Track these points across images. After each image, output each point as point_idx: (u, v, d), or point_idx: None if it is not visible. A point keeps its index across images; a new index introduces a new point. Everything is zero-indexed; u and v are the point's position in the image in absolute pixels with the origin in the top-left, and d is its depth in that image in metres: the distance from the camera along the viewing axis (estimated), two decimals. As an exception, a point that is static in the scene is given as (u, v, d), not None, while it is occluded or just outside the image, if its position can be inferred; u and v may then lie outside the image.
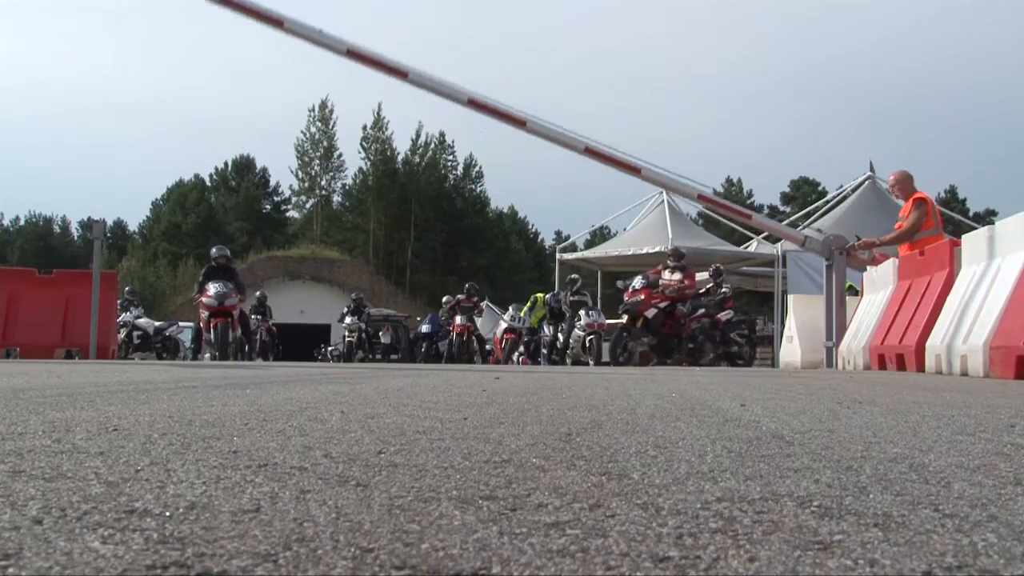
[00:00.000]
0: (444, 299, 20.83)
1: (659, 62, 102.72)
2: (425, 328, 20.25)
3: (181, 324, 20.35)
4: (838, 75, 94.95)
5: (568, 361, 15.27)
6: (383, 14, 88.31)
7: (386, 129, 53.53)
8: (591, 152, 10.12)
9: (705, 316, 13.59)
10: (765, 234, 20.92)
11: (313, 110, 53.28)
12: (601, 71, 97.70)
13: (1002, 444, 1.65)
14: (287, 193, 56.88)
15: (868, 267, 10.22)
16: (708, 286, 14.43)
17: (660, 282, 13.05)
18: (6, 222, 64.79)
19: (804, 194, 46.98)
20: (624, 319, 13.26)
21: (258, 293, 19.27)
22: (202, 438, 1.57)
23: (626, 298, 13.09)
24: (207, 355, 13.72)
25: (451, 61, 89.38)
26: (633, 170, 10.26)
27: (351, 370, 6.35)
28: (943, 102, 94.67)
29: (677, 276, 13.25)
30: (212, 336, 12.59)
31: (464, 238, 51.93)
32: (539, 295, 18.00)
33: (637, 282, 13.09)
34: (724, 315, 13.81)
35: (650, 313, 12.72)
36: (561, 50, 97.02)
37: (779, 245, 18.22)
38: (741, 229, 23.59)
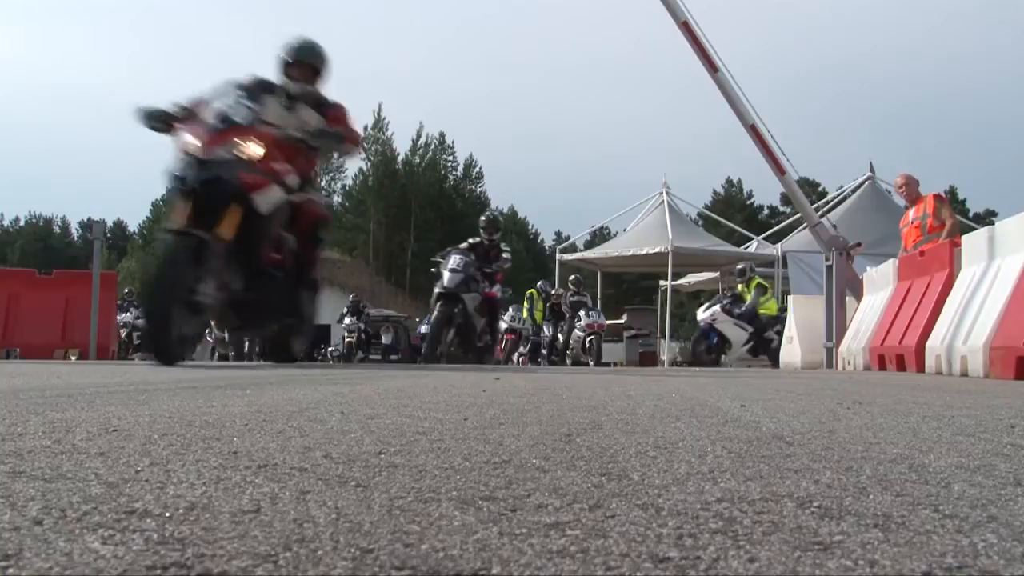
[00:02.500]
0: None
1: (661, 65, 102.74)
2: (425, 328, 20.26)
3: (181, 324, 20.28)
4: (838, 76, 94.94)
5: (568, 361, 15.26)
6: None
7: (386, 130, 53.59)
8: (686, 27, 10.42)
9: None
10: (765, 234, 20.95)
11: (313, 110, 53.13)
12: (604, 74, 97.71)
13: (1002, 445, 1.65)
14: (287, 193, 56.66)
15: (868, 268, 10.23)
16: (477, 240, 10.52)
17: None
18: (6, 222, 64.86)
19: (804, 194, 46.93)
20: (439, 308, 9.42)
21: None
22: (202, 439, 1.57)
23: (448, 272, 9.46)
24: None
25: (453, 64, 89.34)
26: (712, 67, 10.45)
27: (351, 370, 6.35)
28: (943, 102, 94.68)
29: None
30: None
31: (464, 239, 51.88)
32: (532, 291, 18.03)
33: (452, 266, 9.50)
34: (497, 289, 10.23)
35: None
36: (565, 53, 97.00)
37: (779, 245, 18.25)
38: (741, 229, 23.60)
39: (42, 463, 1.26)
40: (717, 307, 14.55)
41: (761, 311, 14.29)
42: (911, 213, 9.08)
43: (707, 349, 14.45)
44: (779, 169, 10.80)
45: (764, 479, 1.20)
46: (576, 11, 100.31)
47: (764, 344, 14.20)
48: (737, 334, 14.27)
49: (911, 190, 9.28)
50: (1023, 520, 0.95)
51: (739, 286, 14.77)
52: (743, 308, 14.32)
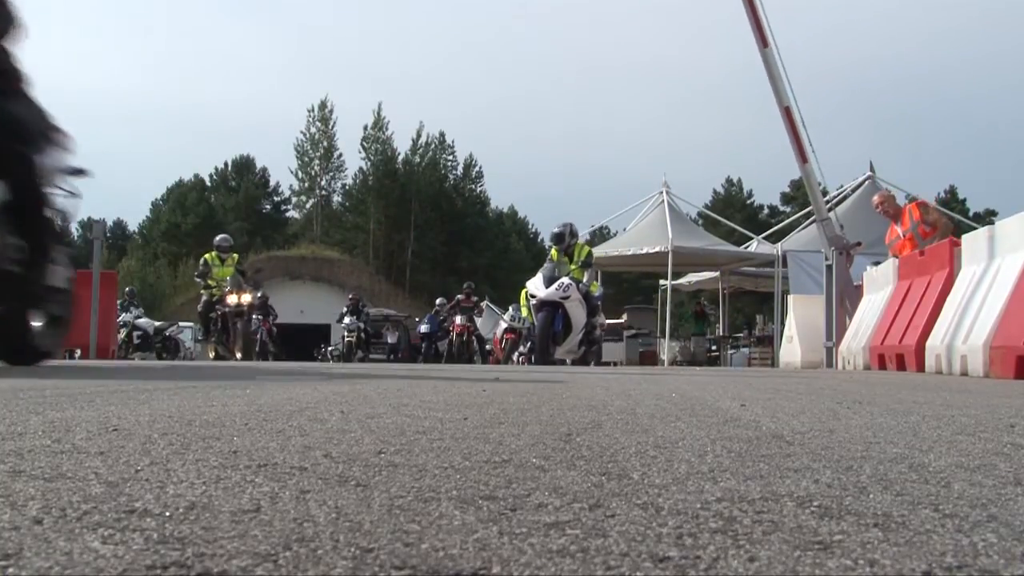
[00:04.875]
0: (438, 301, 20.89)
1: (663, 67, 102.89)
2: (424, 328, 20.30)
3: (181, 324, 20.37)
4: (838, 76, 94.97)
5: (568, 361, 15.23)
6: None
7: (386, 129, 53.68)
8: (750, 4, 10.48)
9: None
10: (765, 234, 20.95)
11: (313, 110, 53.40)
12: (604, 74, 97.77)
13: (1002, 444, 1.65)
14: (287, 193, 56.87)
15: (868, 267, 10.25)
16: None
17: None
18: (6, 222, 64.68)
19: (804, 194, 46.89)
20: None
21: (259, 293, 19.26)
22: (202, 438, 1.57)
23: None
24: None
25: (453, 64, 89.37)
26: (763, 42, 10.50)
27: (351, 370, 6.35)
28: (943, 102, 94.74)
29: None
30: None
31: (464, 238, 51.98)
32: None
33: None
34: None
35: None
36: (566, 53, 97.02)
37: (779, 245, 18.25)
38: (741, 229, 23.59)
39: (42, 462, 1.26)
40: (567, 279, 10.39)
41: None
42: (898, 228, 9.10)
43: (553, 338, 10.29)
44: (803, 157, 10.79)
45: (764, 479, 1.20)
46: (576, 11, 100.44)
47: (589, 332, 10.77)
48: (579, 318, 10.43)
49: (890, 206, 9.35)
50: (1023, 520, 0.95)
51: (553, 252, 10.89)
52: (583, 283, 10.56)
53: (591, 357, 11.11)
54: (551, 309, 10.31)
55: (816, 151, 10.80)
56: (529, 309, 11.04)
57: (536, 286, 10.58)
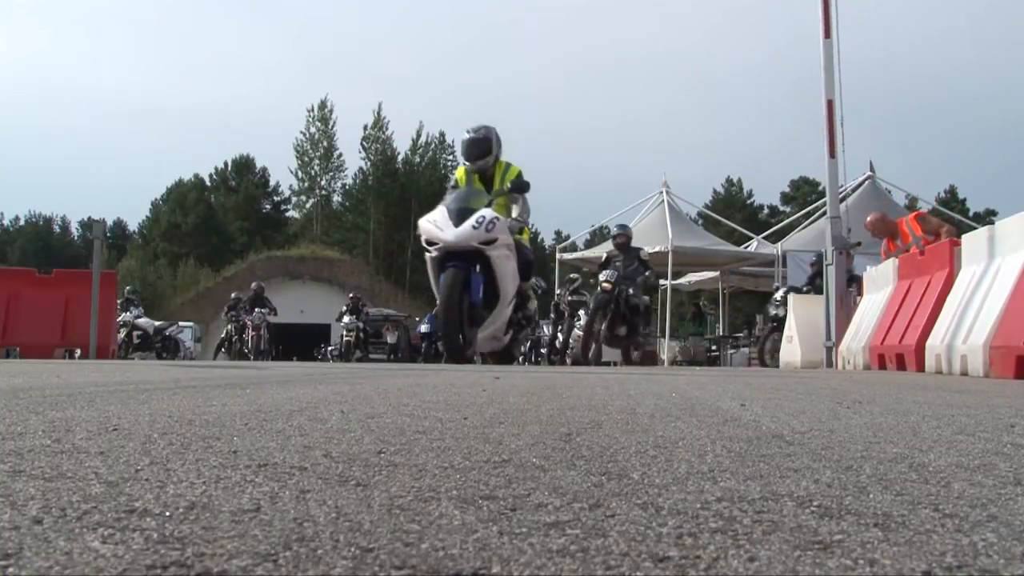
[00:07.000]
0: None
1: (663, 66, 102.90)
2: (424, 328, 20.30)
3: (181, 324, 20.40)
4: (839, 76, 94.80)
5: (568, 361, 15.23)
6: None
7: (386, 129, 53.67)
8: None
9: None
10: (765, 234, 20.95)
11: (313, 110, 53.37)
12: (605, 74, 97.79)
13: (1002, 444, 1.65)
14: (287, 193, 56.85)
15: (868, 267, 10.25)
16: None
17: None
18: (6, 222, 64.87)
19: (804, 194, 47.06)
20: None
21: (254, 285, 19.23)
22: (202, 438, 1.57)
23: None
24: None
25: (453, 64, 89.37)
26: (827, 32, 10.52)
27: (351, 370, 6.35)
28: (943, 102, 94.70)
29: None
30: None
31: (464, 238, 51.89)
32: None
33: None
34: None
35: None
36: (566, 53, 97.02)
37: (779, 245, 18.26)
38: (741, 229, 23.60)
39: (42, 462, 1.26)
40: (490, 212, 6.73)
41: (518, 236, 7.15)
42: (898, 241, 9.10)
43: (470, 313, 6.74)
44: (831, 151, 10.82)
45: (764, 478, 1.20)
46: (576, 11, 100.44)
47: (520, 306, 7.43)
48: (508, 280, 6.95)
49: (885, 225, 9.34)
50: (1023, 519, 0.95)
51: (461, 173, 7.50)
52: (517, 221, 7.02)
53: (519, 346, 7.67)
54: (462, 264, 6.50)
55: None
56: (429, 268, 6.93)
57: (439, 224, 6.63)
